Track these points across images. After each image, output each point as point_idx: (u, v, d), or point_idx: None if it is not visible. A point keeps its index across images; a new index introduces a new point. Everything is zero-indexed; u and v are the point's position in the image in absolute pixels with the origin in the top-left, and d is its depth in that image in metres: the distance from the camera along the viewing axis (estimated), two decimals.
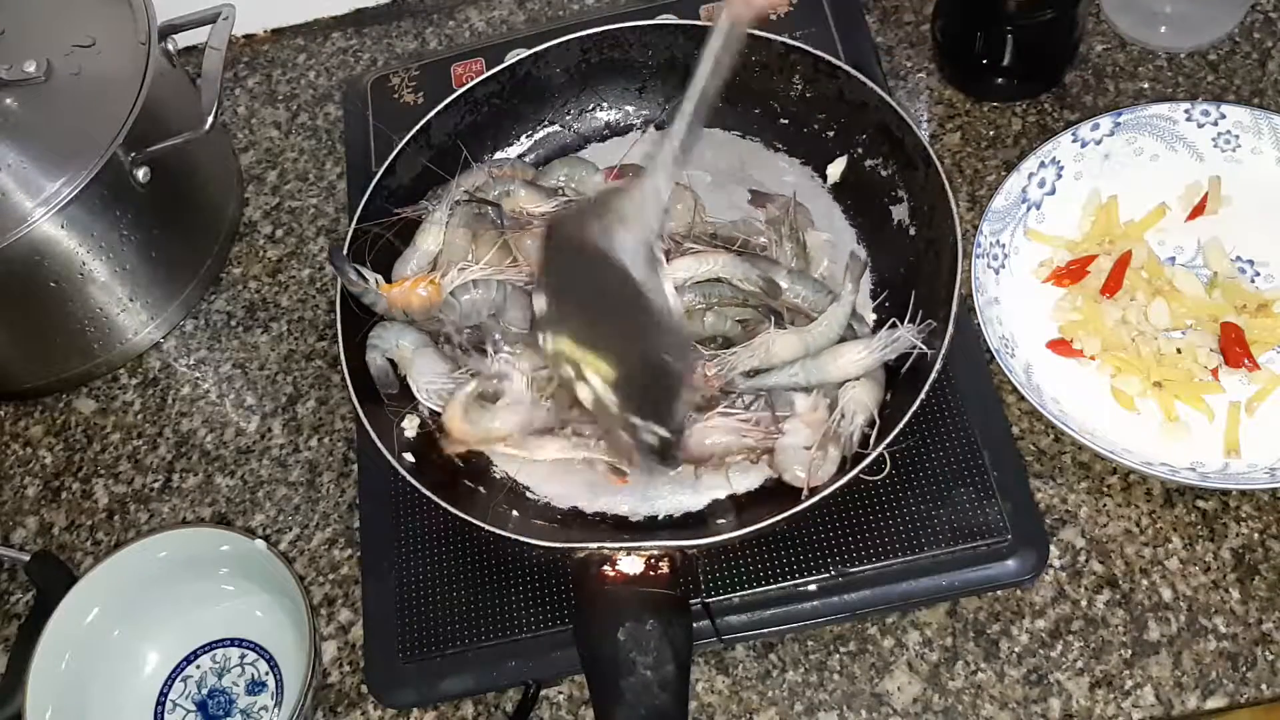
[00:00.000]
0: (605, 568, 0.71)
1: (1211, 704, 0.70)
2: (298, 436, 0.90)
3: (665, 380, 0.70)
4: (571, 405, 0.77)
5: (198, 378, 0.95)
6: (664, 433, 0.71)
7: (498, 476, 0.81)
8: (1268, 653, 0.71)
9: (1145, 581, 0.74)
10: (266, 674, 0.82)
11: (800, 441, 0.75)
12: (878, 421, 0.75)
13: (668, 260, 0.77)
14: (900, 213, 0.84)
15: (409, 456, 0.79)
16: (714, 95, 0.66)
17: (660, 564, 0.71)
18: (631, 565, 0.71)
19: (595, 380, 0.73)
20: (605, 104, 0.95)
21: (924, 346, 0.75)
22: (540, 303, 0.73)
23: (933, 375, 0.72)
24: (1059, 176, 0.85)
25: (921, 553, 0.74)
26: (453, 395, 0.79)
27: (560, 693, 0.77)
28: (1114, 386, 0.79)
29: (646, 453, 0.72)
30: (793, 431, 0.75)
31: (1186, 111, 0.84)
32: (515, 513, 0.78)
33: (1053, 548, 0.76)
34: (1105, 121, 0.85)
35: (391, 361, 0.83)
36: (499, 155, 0.94)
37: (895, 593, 0.74)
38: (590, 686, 0.70)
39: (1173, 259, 0.84)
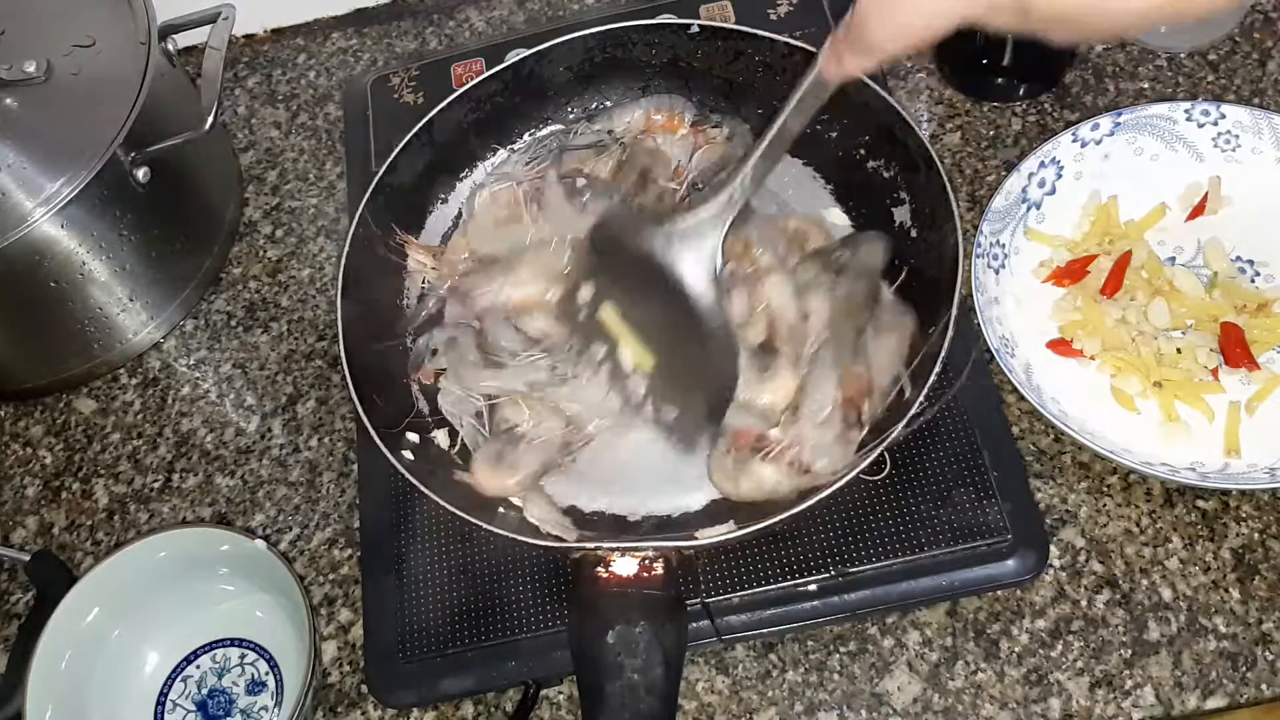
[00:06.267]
0: (600, 569, 0.71)
1: (1211, 704, 0.70)
2: (298, 436, 0.90)
3: (708, 391, 0.74)
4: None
5: (198, 378, 0.95)
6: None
7: None
8: (1268, 653, 0.71)
9: (1145, 581, 0.74)
10: (266, 674, 0.82)
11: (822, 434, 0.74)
12: (907, 370, 0.75)
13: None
14: (902, 214, 0.84)
15: (408, 455, 0.79)
16: (794, 134, 0.68)
17: (655, 565, 0.71)
18: (626, 566, 0.71)
19: (627, 358, 0.77)
20: (608, 103, 0.95)
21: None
22: (586, 290, 0.79)
23: (931, 377, 0.72)
24: (1059, 176, 0.85)
25: (921, 553, 0.74)
26: (477, 452, 0.79)
27: (560, 693, 0.77)
28: (1114, 386, 0.79)
29: (668, 433, 0.77)
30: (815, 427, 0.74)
31: (1186, 111, 0.84)
32: (515, 512, 0.78)
33: (1053, 548, 0.76)
34: (1105, 121, 0.85)
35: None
36: (502, 154, 0.94)
37: (895, 593, 0.74)
38: (579, 689, 0.70)
39: (1173, 259, 0.84)
